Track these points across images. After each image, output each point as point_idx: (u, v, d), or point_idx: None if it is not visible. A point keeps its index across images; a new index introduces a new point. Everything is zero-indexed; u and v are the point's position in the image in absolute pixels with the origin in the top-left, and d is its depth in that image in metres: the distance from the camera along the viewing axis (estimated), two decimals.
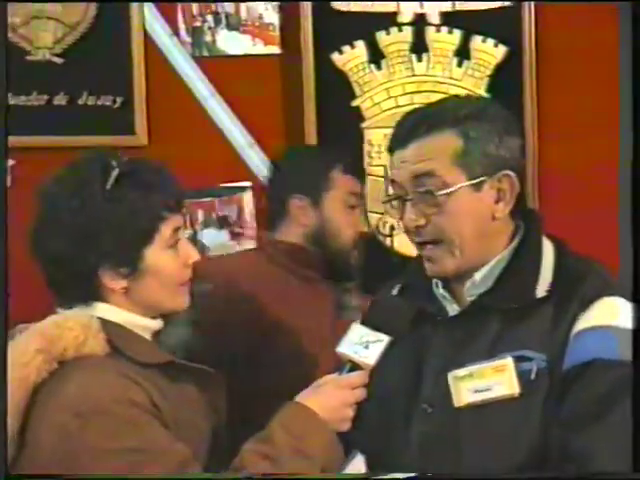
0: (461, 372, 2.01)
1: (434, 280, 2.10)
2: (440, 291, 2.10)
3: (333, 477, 1.97)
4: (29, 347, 1.90)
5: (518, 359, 1.97)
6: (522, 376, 1.97)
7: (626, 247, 2.60)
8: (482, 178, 2.03)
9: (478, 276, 2.05)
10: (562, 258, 2.07)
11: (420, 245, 2.05)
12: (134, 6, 2.95)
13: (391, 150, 2.08)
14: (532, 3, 2.94)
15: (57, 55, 2.97)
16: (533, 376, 1.96)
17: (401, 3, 2.98)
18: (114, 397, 1.87)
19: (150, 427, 1.87)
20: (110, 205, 1.95)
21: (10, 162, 2.95)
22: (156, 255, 1.99)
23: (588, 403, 1.92)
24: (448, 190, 2.00)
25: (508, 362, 1.98)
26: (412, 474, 1.95)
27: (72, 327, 1.91)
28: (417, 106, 2.26)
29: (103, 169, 1.98)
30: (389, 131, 2.14)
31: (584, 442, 1.90)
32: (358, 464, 1.97)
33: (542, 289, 2.02)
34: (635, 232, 2.36)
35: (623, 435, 1.92)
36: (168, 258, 2.01)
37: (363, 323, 2.03)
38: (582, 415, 1.92)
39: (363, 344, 2.01)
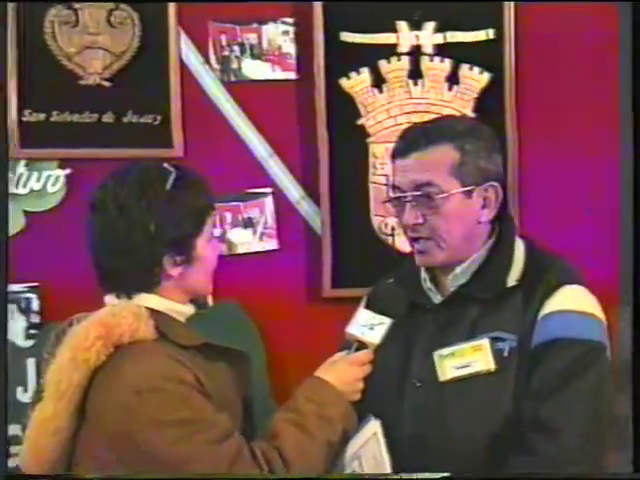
0: (445, 351, 2.03)
1: (422, 275, 2.12)
2: (427, 284, 2.11)
3: (350, 477, 1.97)
4: (90, 334, 1.91)
5: (493, 340, 2.00)
6: (497, 354, 1.99)
7: (626, 248, 2.58)
8: (472, 187, 2.04)
9: (458, 270, 2.07)
10: (531, 253, 2.10)
11: (414, 240, 2.06)
12: (172, 38, 2.95)
13: (394, 158, 2.09)
14: (512, 37, 2.95)
15: (106, 80, 2.98)
16: (506, 354, 1.99)
17: (400, 36, 2.98)
18: (165, 376, 1.88)
19: (197, 401, 1.88)
20: (171, 203, 1.97)
21: (66, 171, 2.97)
22: (203, 245, 2.01)
23: (553, 375, 1.95)
24: (444, 195, 2.01)
25: (485, 342, 2.01)
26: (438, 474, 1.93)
27: (126, 316, 1.92)
28: (415, 123, 2.29)
29: (161, 173, 2.00)
30: (390, 145, 2.17)
31: (551, 410, 1.93)
32: (373, 427, 1.98)
33: (512, 279, 2.04)
34: (635, 236, 2.35)
35: (585, 403, 1.96)
36: (209, 248, 2.03)
37: (367, 308, 2.05)
38: (548, 386, 1.95)
39: (369, 326, 2.02)
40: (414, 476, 1.93)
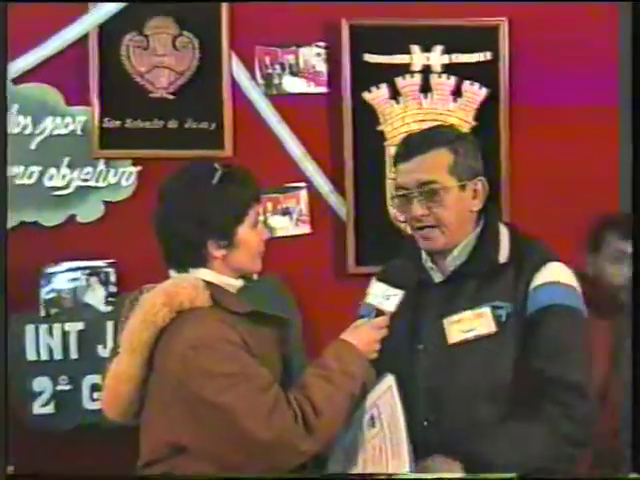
0: (452, 318, 2.03)
1: (423, 256, 2.11)
2: (428, 264, 2.11)
3: (352, 477, 1.92)
4: (157, 301, 1.91)
5: (492, 308, 1.99)
6: (496, 319, 1.98)
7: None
8: (465, 182, 2.04)
9: (456, 252, 2.07)
10: (514, 236, 2.09)
11: (420, 229, 2.06)
12: (225, 59, 2.95)
13: (397, 163, 2.08)
14: (506, 58, 2.93)
15: (171, 93, 2.98)
16: (504, 319, 1.98)
17: (413, 57, 2.98)
18: (217, 336, 1.88)
19: (243, 357, 1.87)
20: (216, 196, 1.96)
21: (138, 168, 2.97)
22: (245, 232, 1.98)
23: (556, 338, 1.94)
24: (445, 189, 2.02)
25: (486, 310, 2.00)
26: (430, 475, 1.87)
27: (186, 287, 1.92)
28: (410, 133, 2.29)
29: (209, 171, 1.99)
30: None
31: (560, 368, 1.92)
32: (388, 381, 1.98)
33: (502, 258, 2.04)
34: (635, 233, 2.28)
35: (583, 360, 1.96)
36: (252, 234, 2.01)
37: (382, 281, 2.05)
38: (555, 347, 1.94)
39: (385, 296, 2.02)
40: (424, 476, 1.86)
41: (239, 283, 2.05)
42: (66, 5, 2.88)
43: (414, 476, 1.85)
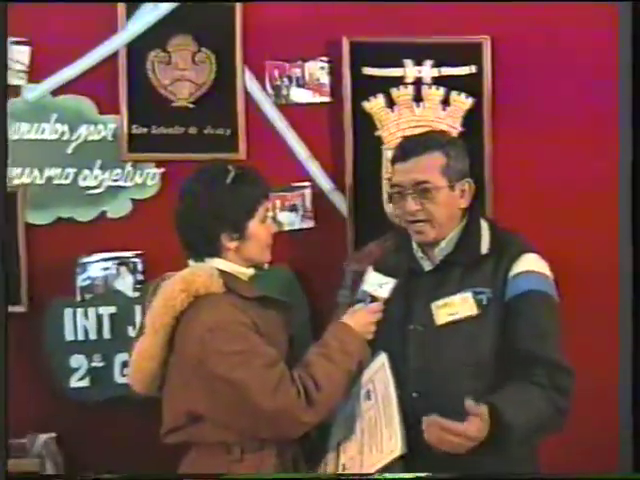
0: (439, 302, 2.07)
1: (414, 247, 2.14)
2: (419, 254, 2.13)
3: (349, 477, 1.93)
4: (175, 287, 1.95)
5: (475, 293, 2.02)
6: (477, 303, 2.01)
7: (626, 247, 2.46)
8: (455, 182, 2.06)
9: (443, 244, 2.10)
10: (493, 229, 2.13)
11: (412, 223, 2.08)
12: (239, 73, 2.97)
13: (394, 163, 2.10)
14: (489, 71, 2.93)
15: (191, 103, 3.00)
16: (485, 302, 2.03)
17: (406, 70, 2.98)
18: (229, 319, 1.92)
19: (252, 337, 1.91)
20: (229, 194, 1.98)
21: (161, 170, 2.99)
22: (255, 226, 2.02)
23: (535, 321, 1.98)
24: (437, 189, 2.04)
25: (469, 295, 2.04)
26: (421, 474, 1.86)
27: (201, 275, 1.96)
28: (407, 137, 2.29)
29: (224, 172, 2.02)
30: None
31: (549, 349, 1.96)
32: (382, 359, 2.00)
33: (484, 248, 2.06)
34: (635, 232, 2.26)
35: (560, 340, 1.99)
36: (261, 228, 2.04)
37: (377, 270, 2.07)
38: (535, 330, 1.97)
39: (379, 284, 2.05)
40: (411, 476, 1.87)
41: (250, 271, 2.08)
42: (98, 25, 2.91)
43: (400, 476, 1.86)
